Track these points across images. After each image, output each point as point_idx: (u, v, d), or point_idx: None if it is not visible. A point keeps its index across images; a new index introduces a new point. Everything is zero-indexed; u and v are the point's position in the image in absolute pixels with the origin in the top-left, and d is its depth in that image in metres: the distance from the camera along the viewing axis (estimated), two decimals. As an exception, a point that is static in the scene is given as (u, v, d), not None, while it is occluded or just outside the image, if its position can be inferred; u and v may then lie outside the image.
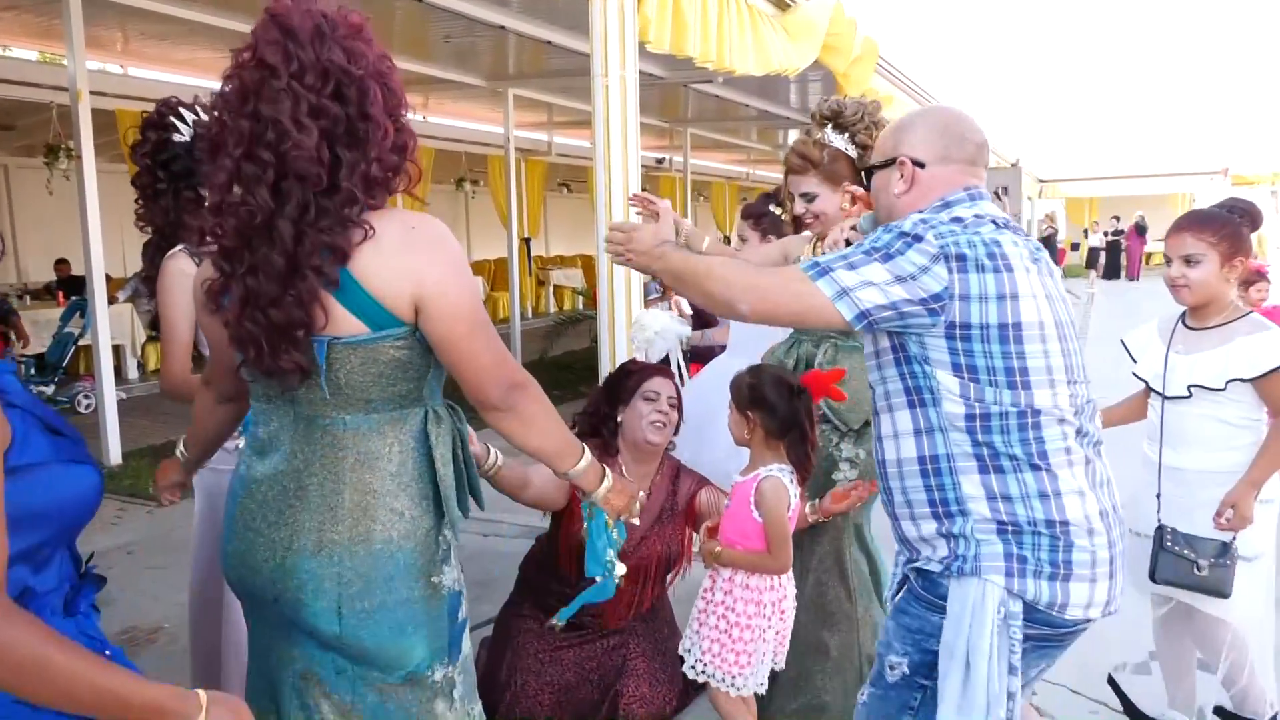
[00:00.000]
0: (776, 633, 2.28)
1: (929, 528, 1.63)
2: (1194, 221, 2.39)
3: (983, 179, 1.73)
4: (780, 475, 2.22)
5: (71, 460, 1.29)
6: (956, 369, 1.56)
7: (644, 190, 3.30)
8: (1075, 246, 25.40)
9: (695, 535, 2.65)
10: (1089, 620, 1.63)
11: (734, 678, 2.25)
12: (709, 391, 3.23)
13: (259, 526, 1.53)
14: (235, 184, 1.43)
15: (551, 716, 2.65)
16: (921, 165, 1.70)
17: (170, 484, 2.05)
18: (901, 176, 1.71)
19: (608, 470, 1.75)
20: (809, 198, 2.61)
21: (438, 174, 12.75)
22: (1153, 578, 2.37)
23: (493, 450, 2.29)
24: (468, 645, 1.68)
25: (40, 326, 7.88)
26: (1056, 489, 1.57)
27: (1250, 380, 2.28)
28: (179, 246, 2.26)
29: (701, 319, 5.52)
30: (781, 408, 2.22)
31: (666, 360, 5.53)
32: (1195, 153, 24.57)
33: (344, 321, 1.43)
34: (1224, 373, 2.30)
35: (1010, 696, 1.57)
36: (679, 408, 2.70)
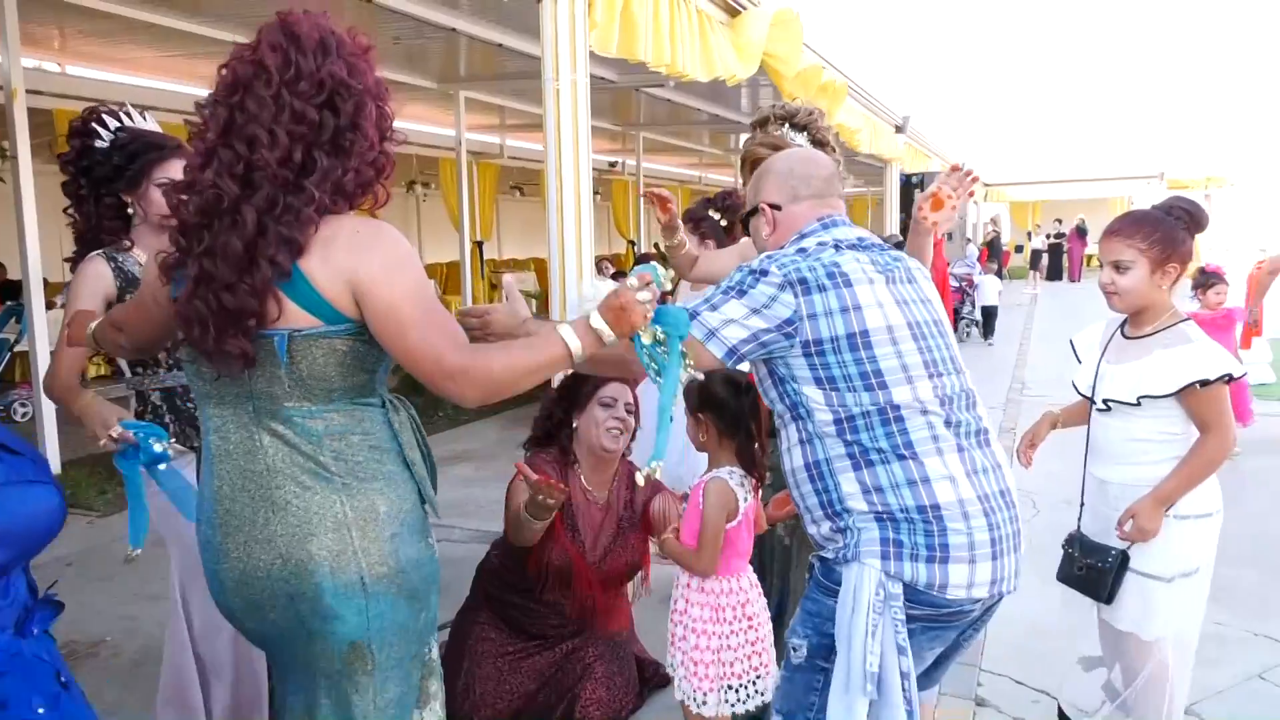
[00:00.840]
0: (751, 643, 2.23)
1: (826, 527, 1.77)
2: (1124, 225, 2.29)
3: (837, 206, 1.94)
4: (729, 478, 2.23)
5: (29, 481, 1.26)
6: (819, 382, 1.71)
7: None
8: (1020, 249, 25.98)
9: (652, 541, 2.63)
10: (976, 600, 1.71)
11: (694, 690, 2.22)
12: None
13: (254, 535, 1.51)
14: (207, 167, 1.47)
15: None
16: (778, 208, 1.93)
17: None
18: (766, 221, 1.94)
19: (590, 315, 1.56)
20: None
21: (388, 176, 12.61)
22: (1058, 576, 2.43)
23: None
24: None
25: (-27, 333, 7.63)
26: (925, 476, 1.68)
27: (1162, 397, 2.19)
28: (97, 251, 2.29)
29: None
30: (731, 405, 2.24)
31: None
32: (1133, 157, 25.33)
33: (297, 315, 1.47)
34: (1135, 388, 2.23)
35: (904, 676, 1.65)
36: (636, 413, 2.66)
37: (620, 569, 2.66)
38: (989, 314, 12.23)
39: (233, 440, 1.53)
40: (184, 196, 1.50)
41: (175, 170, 2.26)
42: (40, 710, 1.23)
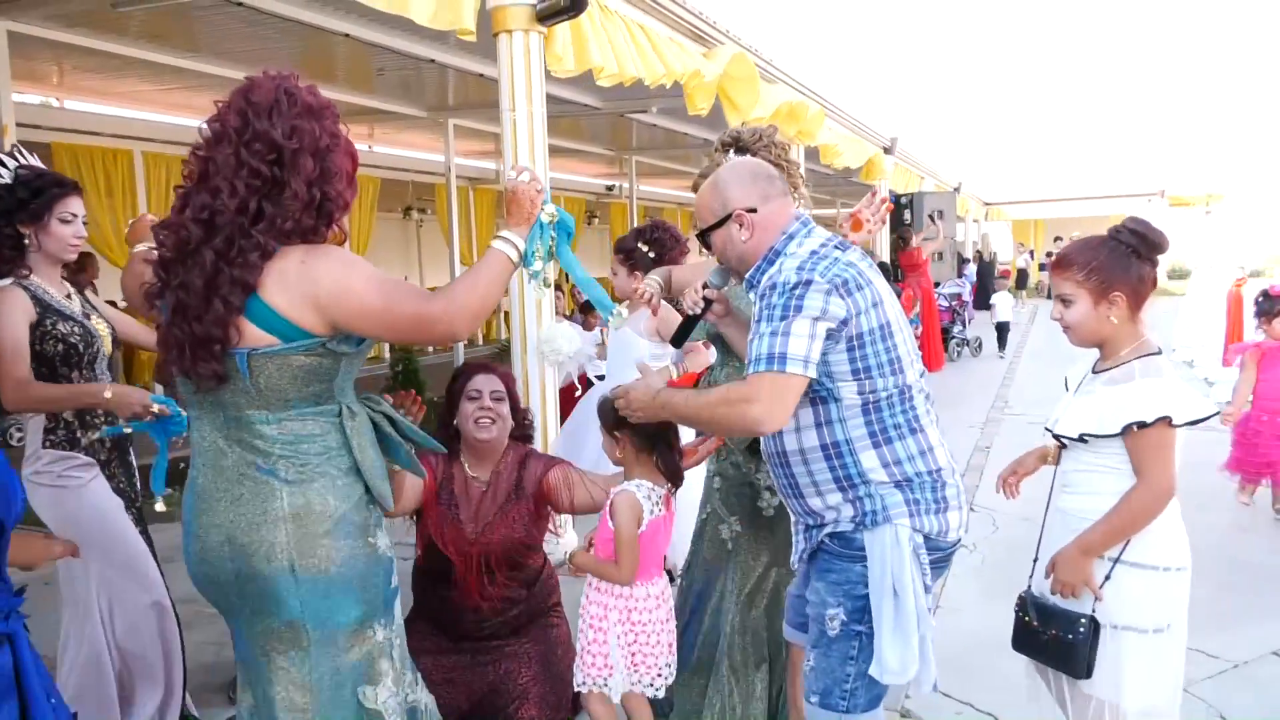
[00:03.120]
0: (630, 644, 2.33)
1: (834, 498, 1.97)
2: (1064, 256, 2.15)
3: (794, 203, 2.07)
4: (636, 490, 2.31)
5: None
6: (855, 374, 1.89)
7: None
8: (1022, 270, 26.05)
9: (557, 518, 2.77)
10: (959, 539, 2.03)
11: (591, 677, 2.35)
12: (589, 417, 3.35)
13: (213, 520, 1.77)
14: (185, 209, 1.74)
15: None
16: (754, 211, 2.00)
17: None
18: (742, 226, 2.01)
19: (504, 234, 1.89)
20: None
21: (385, 203, 12.81)
22: (1014, 645, 2.23)
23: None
24: (399, 611, 1.90)
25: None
26: (930, 445, 1.98)
27: (1105, 437, 2.05)
28: (9, 280, 2.49)
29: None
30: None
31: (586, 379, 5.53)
32: (1133, 175, 25.41)
33: (258, 336, 1.71)
34: (1079, 424, 2.11)
35: (930, 611, 1.93)
36: (511, 399, 2.77)
37: (497, 542, 2.71)
38: (1001, 329, 12.88)
39: (207, 439, 1.79)
40: (163, 235, 1.76)
41: (74, 206, 2.54)
42: None
